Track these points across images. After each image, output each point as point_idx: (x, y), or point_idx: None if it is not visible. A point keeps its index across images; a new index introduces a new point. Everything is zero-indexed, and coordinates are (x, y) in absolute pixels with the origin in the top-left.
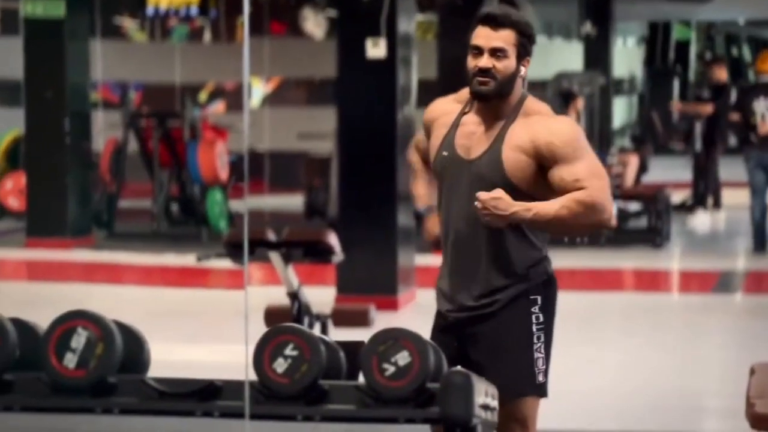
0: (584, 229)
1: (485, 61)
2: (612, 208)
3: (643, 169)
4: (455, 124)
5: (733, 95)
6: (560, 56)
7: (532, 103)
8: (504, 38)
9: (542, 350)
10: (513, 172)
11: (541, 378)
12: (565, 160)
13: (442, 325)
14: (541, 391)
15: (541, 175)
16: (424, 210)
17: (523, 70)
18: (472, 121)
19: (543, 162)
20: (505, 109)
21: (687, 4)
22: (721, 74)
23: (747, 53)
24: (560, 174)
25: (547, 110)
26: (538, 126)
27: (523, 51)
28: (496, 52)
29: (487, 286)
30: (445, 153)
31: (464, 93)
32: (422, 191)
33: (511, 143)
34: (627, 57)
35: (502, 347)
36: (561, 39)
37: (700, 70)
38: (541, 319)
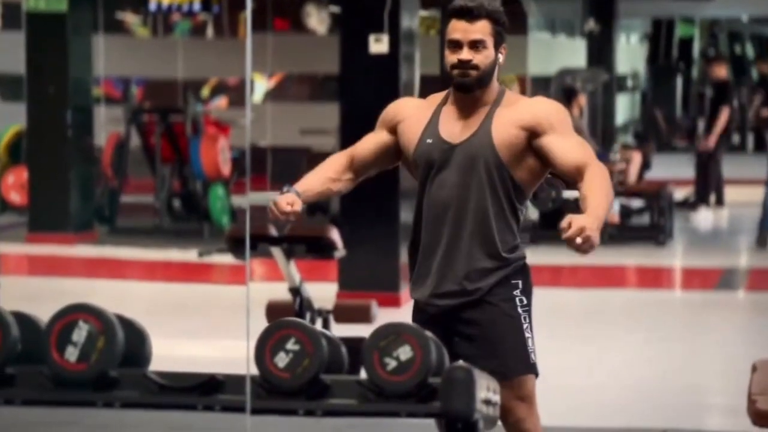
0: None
1: (465, 54)
2: None
3: (645, 166)
4: (436, 116)
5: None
6: (563, 53)
7: (513, 94)
8: (481, 29)
9: (530, 331)
10: (502, 150)
11: (533, 357)
12: (560, 130)
13: (423, 318)
14: (536, 369)
15: (528, 150)
16: (288, 188)
17: (501, 57)
18: (452, 111)
19: (537, 130)
20: (486, 97)
21: (690, 1)
22: (721, 72)
23: (750, 51)
24: (557, 143)
25: (530, 98)
26: (526, 105)
27: (500, 39)
28: (476, 44)
29: (470, 267)
30: (429, 140)
31: (432, 98)
32: (312, 181)
33: (500, 122)
34: (630, 54)
35: (496, 330)
36: (564, 36)
37: (703, 68)
38: (525, 301)
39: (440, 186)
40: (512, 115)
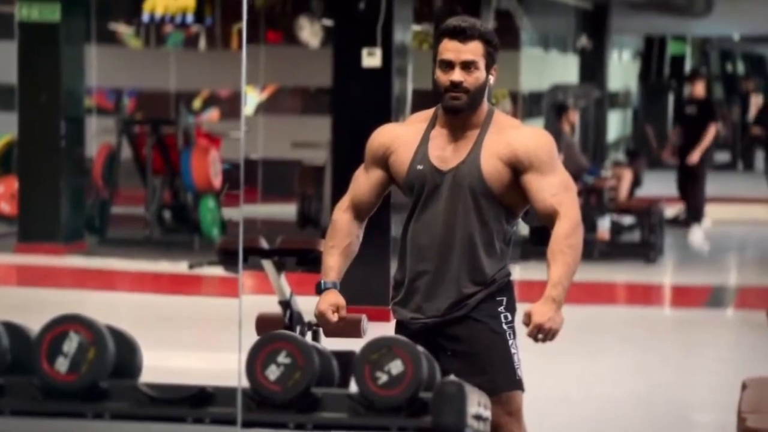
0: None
1: (457, 75)
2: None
3: (636, 182)
4: (425, 140)
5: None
6: (556, 69)
7: (503, 116)
8: (473, 50)
9: (515, 347)
10: (490, 179)
11: (519, 373)
12: (540, 168)
13: (408, 332)
14: (522, 385)
15: (515, 182)
16: (326, 285)
17: (492, 78)
18: (442, 134)
19: (519, 167)
20: (476, 119)
21: (682, 19)
22: (700, 89)
23: (741, 69)
24: (537, 182)
25: (519, 123)
26: (515, 134)
27: (491, 60)
28: (468, 65)
29: (457, 294)
30: (420, 167)
31: (415, 119)
32: (334, 263)
33: (489, 151)
34: (622, 71)
35: (482, 347)
36: (557, 51)
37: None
38: (509, 317)
39: (429, 212)
40: (499, 145)
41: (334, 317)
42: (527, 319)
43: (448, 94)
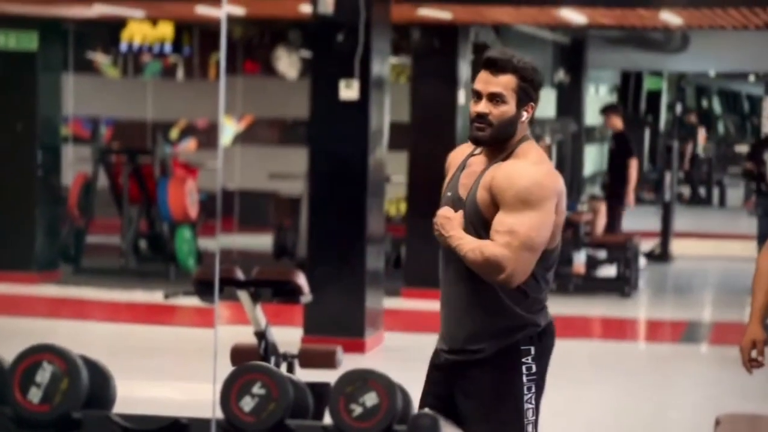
0: (484, 275)
1: (482, 107)
2: (515, 271)
3: (618, 218)
4: (462, 166)
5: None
6: None
7: (526, 147)
8: (503, 83)
9: (533, 401)
10: (484, 209)
11: (530, 429)
12: (504, 206)
13: (436, 362)
14: None
15: None
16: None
17: (525, 115)
18: (476, 162)
19: (495, 201)
20: (502, 151)
21: (659, 54)
22: (617, 122)
23: (717, 105)
24: (497, 218)
25: (534, 156)
26: (505, 167)
27: (525, 96)
28: (494, 98)
29: (470, 330)
30: (449, 193)
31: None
32: None
33: (482, 182)
34: (599, 105)
35: (492, 397)
36: None
37: (671, 120)
38: (534, 369)
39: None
40: (491, 174)
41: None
42: (442, 214)
43: (473, 125)
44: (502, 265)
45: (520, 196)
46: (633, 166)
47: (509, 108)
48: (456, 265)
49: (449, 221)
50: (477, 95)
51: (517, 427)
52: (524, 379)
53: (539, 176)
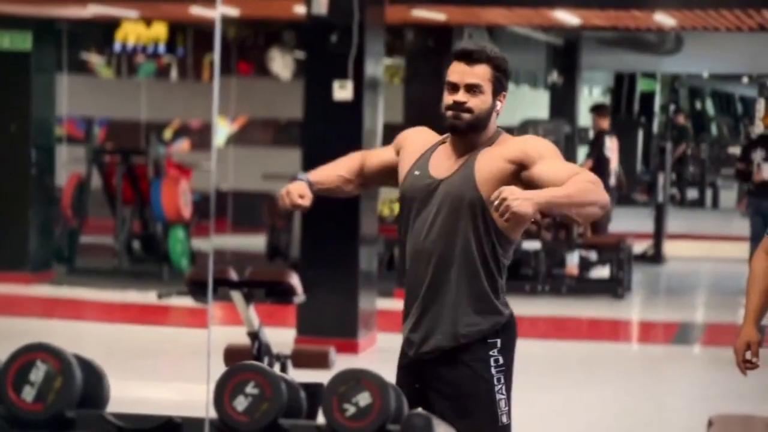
0: (591, 208)
1: (461, 96)
2: (605, 194)
3: (606, 218)
4: (431, 150)
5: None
6: (527, 104)
7: (507, 136)
8: (479, 74)
9: (503, 391)
10: (482, 186)
11: (504, 419)
12: (546, 157)
13: (404, 362)
14: (508, 431)
15: (515, 183)
16: (301, 177)
17: (498, 104)
18: (446, 151)
19: (522, 166)
20: (479, 142)
21: (652, 56)
22: (604, 123)
23: (710, 106)
24: (549, 168)
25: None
26: (516, 141)
27: (499, 86)
28: (472, 88)
29: (450, 327)
30: (417, 172)
31: (442, 137)
32: (325, 173)
33: (485, 158)
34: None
35: (466, 391)
36: (528, 86)
37: (664, 122)
38: (501, 361)
39: (422, 224)
40: (500, 150)
41: (298, 200)
42: (498, 193)
43: (449, 112)
44: (599, 186)
45: (553, 151)
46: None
47: (486, 98)
48: (439, 255)
49: (515, 197)
50: (453, 87)
51: (492, 419)
52: (493, 371)
53: (545, 140)
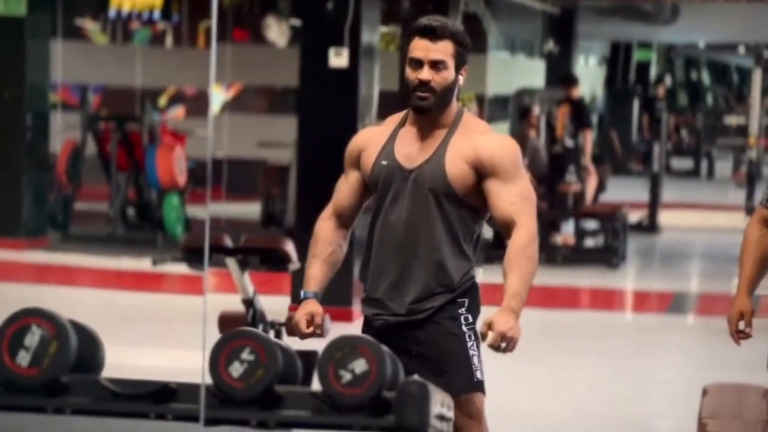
0: (534, 272)
1: (425, 74)
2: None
3: (601, 188)
4: (393, 138)
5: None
6: (522, 73)
7: (472, 118)
8: (443, 50)
9: (475, 348)
10: (454, 179)
11: (479, 375)
12: (503, 176)
13: (369, 333)
14: (482, 387)
15: (479, 184)
16: (306, 294)
17: (461, 79)
18: (410, 133)
19: (482, 172)
20: (444, 119)
21: (648, 26)
22: (576, 92)
23: (706, 77)
24: (497, 189)
25: (487, 127)
26: (482, 139)
27: (461, 60)
28: (437, 65)
29: (421, 293)
30: (384, 162)
31: (390, 120)
32: (315, 272)
33: (454, 152)
34: (588, 76)
35: (439, 349)
36: (524, 56)
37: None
38: (470, 319)
39: (393, 212)
40: (464, 148)
41: (307, 329)
42: (486, 328)
43: (415, 93)
44: (536, 228)
45: (513, 163)
46: (588, 137)
47: (450, 73)
48: (408, 241)
49: (511, 329)
50: (417, 63)
51: (468, 374)
52: (464, 328)
53: (514, 143)
